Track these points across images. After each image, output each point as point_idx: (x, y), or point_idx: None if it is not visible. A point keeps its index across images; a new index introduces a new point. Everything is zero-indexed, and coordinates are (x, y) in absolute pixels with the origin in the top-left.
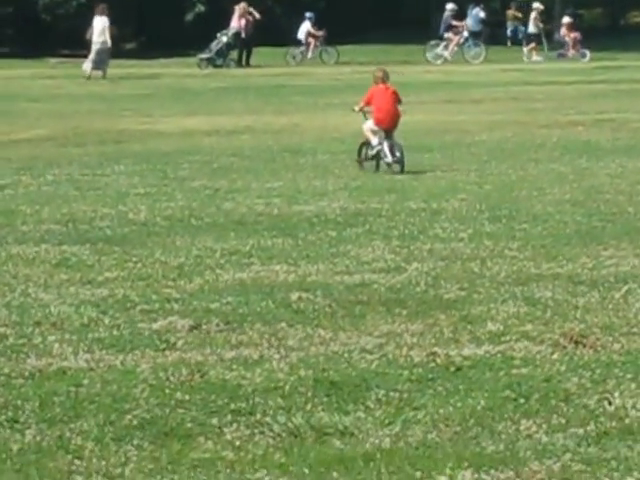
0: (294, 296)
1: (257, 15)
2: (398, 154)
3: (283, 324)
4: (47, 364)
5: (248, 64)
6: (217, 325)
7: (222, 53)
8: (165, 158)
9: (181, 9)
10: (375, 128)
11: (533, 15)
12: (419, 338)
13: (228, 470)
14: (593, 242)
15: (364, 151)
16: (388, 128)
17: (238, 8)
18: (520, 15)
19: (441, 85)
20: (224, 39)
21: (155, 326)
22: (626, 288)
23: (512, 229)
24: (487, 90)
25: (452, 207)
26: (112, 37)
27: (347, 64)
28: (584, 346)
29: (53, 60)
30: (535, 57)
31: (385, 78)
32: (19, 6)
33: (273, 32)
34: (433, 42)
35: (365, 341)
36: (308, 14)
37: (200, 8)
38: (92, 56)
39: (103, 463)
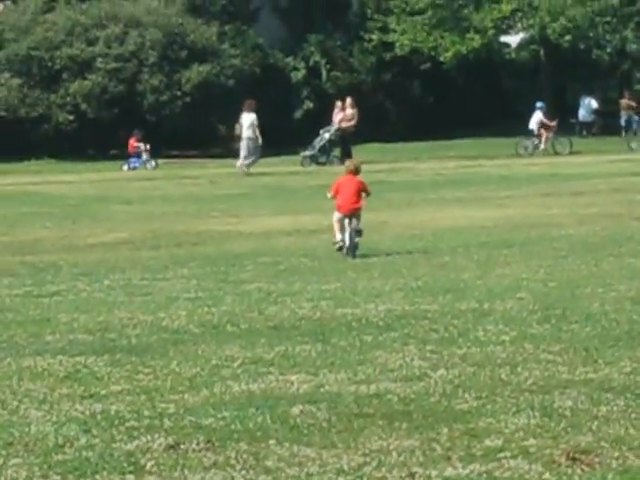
0: (296, 410)
1: (350, 114)
2: (352, 243)
3: (272, 441)
4: None
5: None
6: (197, 444)
7: (325, 150)
8: (233, 260)
9: (290, 107)
10: (340, 218)
11: None
12: (407, 456)
13: None
14: None
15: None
16: (345, 214)
17: (337, 104)
18: (634, 104)
19: (544, 177)
20: (326, 135)
21: (130, 446)
22: None
23: (559, 330)
24: (590, 182)
25: (504, 307)
26: (261, 133)
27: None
28: (581, 463)
29: (158, 161)
30: None
31: (355, 171)
32: (125, 108)
33: (382, 127)
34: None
35: (347, 460)
36: (539, 104)
37: (309, 105)
38: (243, 152)
39: None
